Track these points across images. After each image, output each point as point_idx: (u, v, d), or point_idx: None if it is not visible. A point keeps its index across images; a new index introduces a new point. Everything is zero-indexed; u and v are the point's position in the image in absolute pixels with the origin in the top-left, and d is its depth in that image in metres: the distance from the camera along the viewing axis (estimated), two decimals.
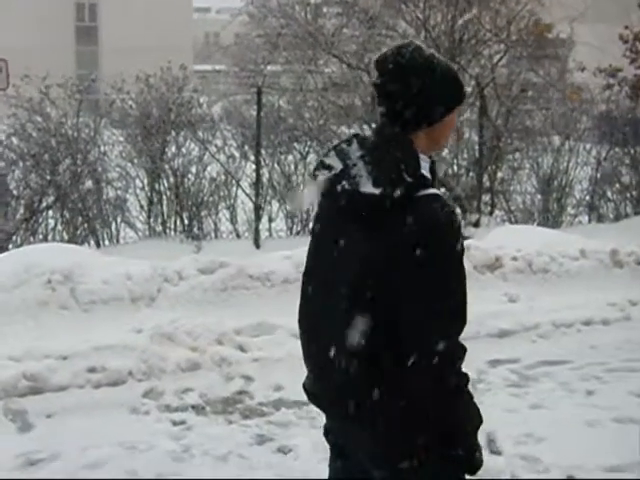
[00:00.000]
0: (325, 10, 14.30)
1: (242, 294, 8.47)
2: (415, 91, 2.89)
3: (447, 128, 3.02)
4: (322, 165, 2.99)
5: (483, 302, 8.85)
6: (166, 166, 12.30)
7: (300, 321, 3.22)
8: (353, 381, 2.90)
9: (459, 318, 2.87)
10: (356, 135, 3.02)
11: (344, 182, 2.88)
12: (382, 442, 2.94)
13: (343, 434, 3.13)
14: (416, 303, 2.79)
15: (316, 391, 3.12)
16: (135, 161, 12.36)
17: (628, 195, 14.56)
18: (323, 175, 2.96)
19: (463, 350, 2.88)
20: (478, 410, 2.94)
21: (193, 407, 6.70)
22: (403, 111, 2.91)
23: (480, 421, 2.94)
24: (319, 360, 3.04)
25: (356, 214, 2.86)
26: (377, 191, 2.80)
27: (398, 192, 2.79)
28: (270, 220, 12.68)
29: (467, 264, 9.46)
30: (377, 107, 3.00)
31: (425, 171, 2.88)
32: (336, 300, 2.94)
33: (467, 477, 3.01)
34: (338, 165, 2.94)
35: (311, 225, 3.28)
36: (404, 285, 2.80)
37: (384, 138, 2.92)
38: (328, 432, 3.24)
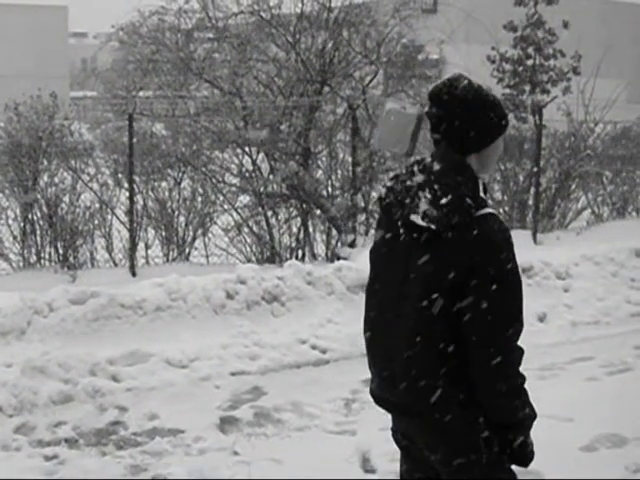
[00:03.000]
0: (196, 35, 14.26)
1: (114, 323, 8.40)
2: (468, 120, 3.24)
3: (494, 153, 3.37)
4: (388, 190, 3.33)
5: (356, 322, 8.92)
6: (39, 196, 12.12)
7: (366, 332, 3.46)
8: (419, 384, 3.23)
9: (518, 324, 3.19)
10: (417, 162, 3.31)
11: (411, 206, 3.21)
12: (445, 438, 3.26)
13: (409, 435, 3.42)
14: (480, 313, 3.13)
15: (383, 394, 3.41)
16: (6, 191, 12.14)
17: (501, 210, 14.88)
18: (389, 199, 3.30)
19: (522, 352, 3.22)
20: (533, 407, 3.26)
21: (66, 440, 6.61)
22: (457, 138, 3.26)
23: (535, 416, 3.29)
24: (386, 366, 3.34)
25: (422, 234, 3.19)
26: (442, 212, 3.13)
27: (461, 213, 3.13)
28: (147, 247, 12.58)
29: (340, 285, 9.52)
30: (431, 134, 3.31)
31: (482, 193, 3.21)
32: (403, 312, 3.26)
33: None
34: (403, 190, 3.26)
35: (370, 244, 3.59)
36: (468, 296, 3.15)
37: (447, 164, 3.23)
38: (396, 433, 3.53)
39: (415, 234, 3.22)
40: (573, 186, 15.65)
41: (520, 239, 13.40)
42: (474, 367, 3.16)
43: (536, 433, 3.36)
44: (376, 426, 6.72)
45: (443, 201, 3.13)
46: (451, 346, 3.19)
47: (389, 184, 3.35)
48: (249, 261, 12.28)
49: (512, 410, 3.21)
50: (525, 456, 3.34)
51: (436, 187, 3.17)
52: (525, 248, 12.47)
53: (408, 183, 3.26)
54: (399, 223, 3.28)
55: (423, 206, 3.16)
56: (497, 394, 3.17)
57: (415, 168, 3.28)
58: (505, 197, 15.01)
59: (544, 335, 9.55)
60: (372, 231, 13.22)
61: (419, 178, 3.23)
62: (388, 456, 6.12)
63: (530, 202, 14.82)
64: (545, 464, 5.69)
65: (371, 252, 3.49)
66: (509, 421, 3.23)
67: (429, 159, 3.27)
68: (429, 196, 3.17)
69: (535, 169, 14.43)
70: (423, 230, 3.19)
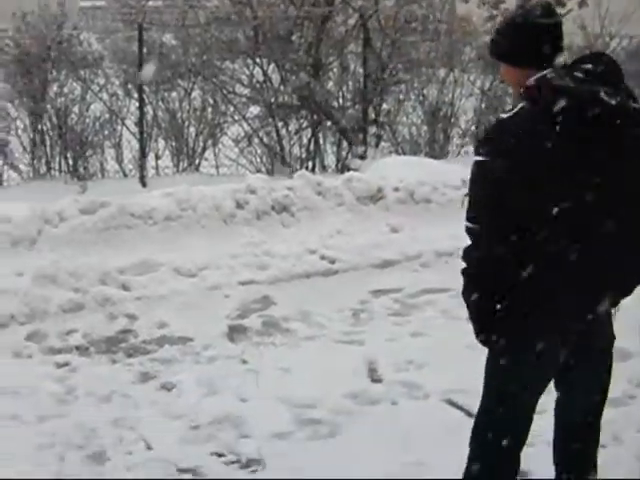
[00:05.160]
0: None
1: (124, 233, 8.39)
2: None
3: None
4: (563, 92, 3.16)
5: (366, 233, 8.96)
6: (48, 106, 12.08)
7: (562, 242, 3.42)
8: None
9: None
10: (595, 54, 3.33)
11: (611, 96, 3.13)
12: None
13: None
14: None
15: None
16: (16, 101, 12.09)
17: None
18: (573, 101, 3.12)
19: None
20: None
21: (77, 348, 6.67)
22: None
23: None
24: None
25: (605, 132, 3.13)
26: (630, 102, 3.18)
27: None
28: (157, 158, 12.57)
29: (349, 196, 9.48)
30: (553, 47, 3.30)
31: None
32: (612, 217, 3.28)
33: None
34: (592, 81, 3.18)
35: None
36: None
37: (604, 66, 3.23)
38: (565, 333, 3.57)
39: (599, 130, 3.14)
40: None
41: None
42: None
43: None
44: (383, 337, 6.78)
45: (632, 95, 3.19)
46: None
47: (572, 73, 3.22)
48: (259, 172, 12.25)
49: None
50: None
51: (618, 82, 3.20)
52: None
53: (592, 75, 3.20)
54: (594, 112, 3.12)
55: (622, 98, 3.15)
56: None
57: (574, 72, 3.21)
58: None
59: None
60: (384, 143, 13.19)
61: (599, 70, 3.21)
62: (394, 366, 6.17)
63: None
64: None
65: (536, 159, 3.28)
66: None
67: (579, 63, 3.25)
68: (618, 89, 3.17)
69: None
70: (626, 120, 3.14)
